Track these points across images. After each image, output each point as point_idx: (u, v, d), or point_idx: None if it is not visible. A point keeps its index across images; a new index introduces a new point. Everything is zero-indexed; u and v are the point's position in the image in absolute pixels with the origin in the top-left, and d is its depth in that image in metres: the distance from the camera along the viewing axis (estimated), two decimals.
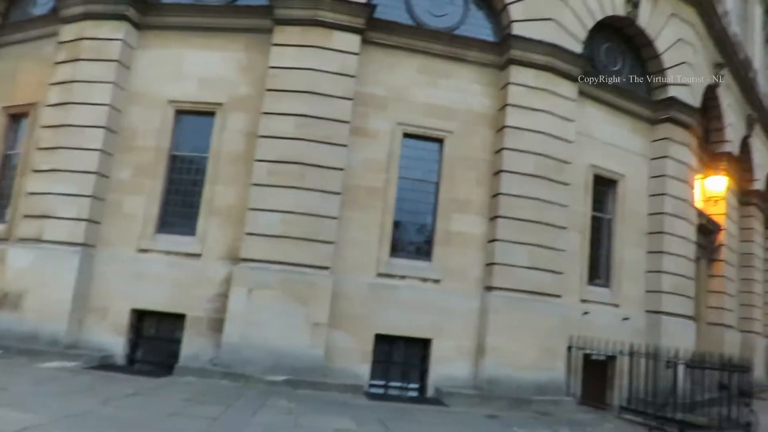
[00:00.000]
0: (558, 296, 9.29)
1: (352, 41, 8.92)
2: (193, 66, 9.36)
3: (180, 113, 9.37)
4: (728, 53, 13.64)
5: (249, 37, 9.30)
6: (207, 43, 9.40)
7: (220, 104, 9.19)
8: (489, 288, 9.00)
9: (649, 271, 10.89)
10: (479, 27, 9.92)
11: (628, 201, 10.87)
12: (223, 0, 9.56)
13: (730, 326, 14.24)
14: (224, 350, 8.20)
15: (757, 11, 17.90)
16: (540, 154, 9.33)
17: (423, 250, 9.25)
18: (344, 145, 8.69)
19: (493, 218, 9.18)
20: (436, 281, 9.04)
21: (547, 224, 9.30)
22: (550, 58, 9.50)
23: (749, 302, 16.48)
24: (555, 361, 9.05)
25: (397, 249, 9.11)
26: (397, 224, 9.18)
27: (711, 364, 8.83)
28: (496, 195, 9.21)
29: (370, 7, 8.98)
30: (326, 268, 8.46)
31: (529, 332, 8.90)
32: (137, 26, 9.50)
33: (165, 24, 9.55)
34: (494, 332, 8.78)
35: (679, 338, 10.53)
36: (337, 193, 8.59)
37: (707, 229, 13.23)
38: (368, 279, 8.81)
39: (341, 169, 8.65)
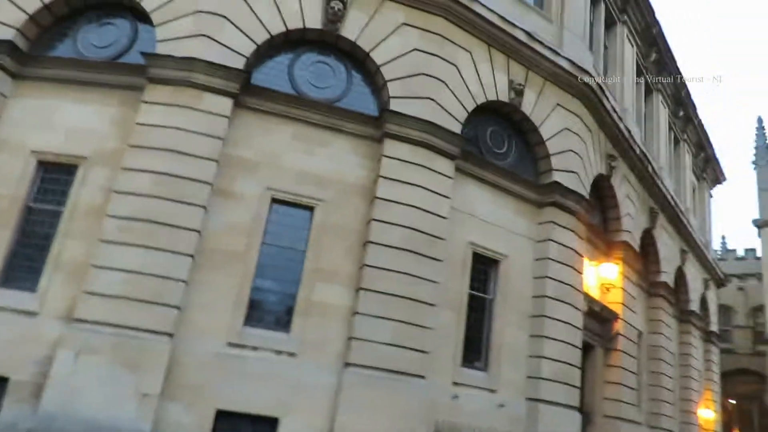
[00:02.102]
0: (422, 377, 8.84)
1: (223, 104, 8.90)
2: (64, 118, 9.13)
3: (42, 164, 9.02)
4: (622, 146, 14.26)
5: (125, 93, 9.20)
6: (82, 96, 9.24)
7: (84, 158, 8.90)
8: (347, 364, 8.51)
9: (531, 356, 10.60)
10: (363, 101, 10.09)
11: (511, 282, 10.75)
12: (102, 56, 9.53)
13: (630, 420, 13.81)
14: (40, 419, 7.38)
15: (662, 112, 19.06)
16: (410, 228, 9.23)
17: (282, 320, 8.79)
18: (202, 206, 8.41)
19: (358, 290, 8.87)
20: (292, 354, 8.52)
21: (415, 300, 9.02)
22: (427, 135, 9.65)
23: (658, 396, 16.22)
24: None
25: (253, 318, 8.62)
26: (256, 292, 8.75)
27: None
28: (362, 267, 8.96)
29: (246, 73, 9.07)
30: (168, 334, 7.88)
31: (386, 414, 8.35)
32: (13, 75, 9.34)
33: (42, 75, 9.39)
34: (347, 411, 8.20)
35: (560, 429, 10.09)
36: (189, 255, 8.19)
37: (602, 317, 13.16)
38: (216, 348, 8.23)
39: (197, 231, 8.32)
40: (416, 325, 8.96)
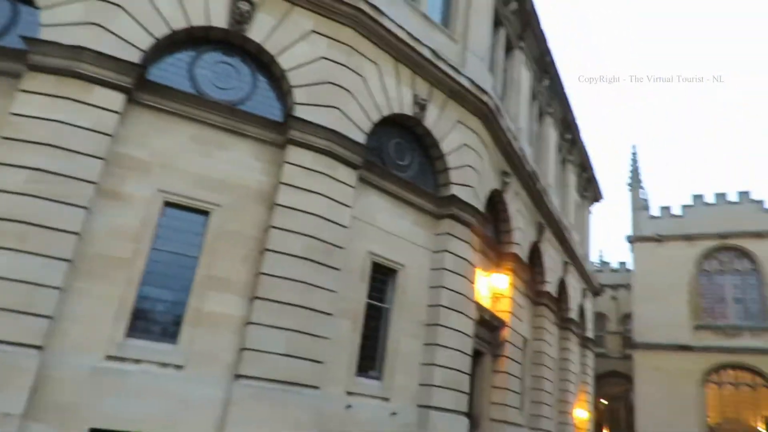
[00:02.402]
0: (316, 387, 8.78)
1: (113, 99, 8.30)
2: None
3: None
4: (515, 164, 15.16)
5: (1, 80, 8.31)
6: None
7: None
8: (238, 376, 8.25)
9: (424, 364, 10.90)
10: (267, 105, 9.86)
11: (408, 291, 11.01)
12: None
13: (513, 423, 14.66)
14: None
15: (552, 134, 20.52)
16: (310, 236, 9.16)
17: (169, 331, 8.33)
18: (84, 207, 7.77)
19: (253, 299, 8.64)
20: (179, 367, 8.10)
21: (311, 309, 8.94)
22: (331, 144, 9.63)
23: (539, 399, 17.34)
24: None
25: (137, 328, 8.09)
26: (142, 300, 8.23)
27: None
28: (258, 275, 8.75)
29: (141, 68, 8.54)
30: (36, 346, 7.18)
31: (277, 427, 8.18)
32: None
33: None
34: (236, 426, 7.94)
35: None
36: (66, 260, 7.53)
37: (492, 325, 13.86)
38: (93, 362, 7.62)
39: (76, 233, 7.67)
40: (312, 334, 8.89)
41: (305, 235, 9.12)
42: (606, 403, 42.00)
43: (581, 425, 22.82)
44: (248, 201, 9.19)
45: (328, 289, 9.22)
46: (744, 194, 33.85)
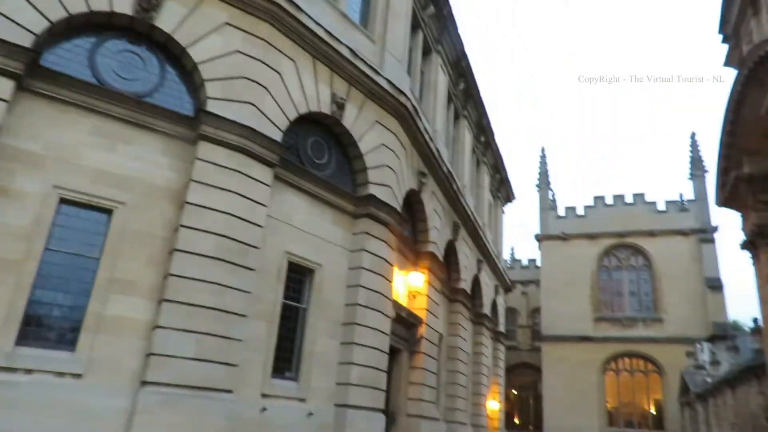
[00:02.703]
0: (229, 391, 8.51)
1: (1, 86, 7.58)
2: None
3: None
4: (432, 165, 15.52)
5: None
6: None
7: None
8: (144, 383, 7.82)
9: (341, 363, 10.89)
10: (177, 99, 9.41)
11: (325, 291, 10.94)
12: None
13: (430, 417, 15.00)
14: None
15: (467, 137, 21.21)
16: (223, 236, 8.85)
17: (67, 337, 7.73)
18: None
19: (160, 302, 8.22)
20: (77, 376, 7.55)
21: (224, 311, 8.65)
22: (245, 140, 9.36)
23: (454, 393, 17.87)
24: None
25: (29, 336, 7.44)
26: (35, 305, 7.58)
27: None
28: (167, 276, 8.34)
29: (34, 53, 7.86)
30: None
31: None
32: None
33: None
34: None
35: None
36: None
37: (408, 322, 14.10)
38: None
39: None
40: (225, 337, 8.60)
41: (218, 234, 8.81)
42: (516, 393, 44.12)
43: (493, 415, 23.81)
44: (155, 199, 8.73)
45: (242, 290, 8.96)
46: (639, 196, 36.74)
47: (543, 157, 40.58)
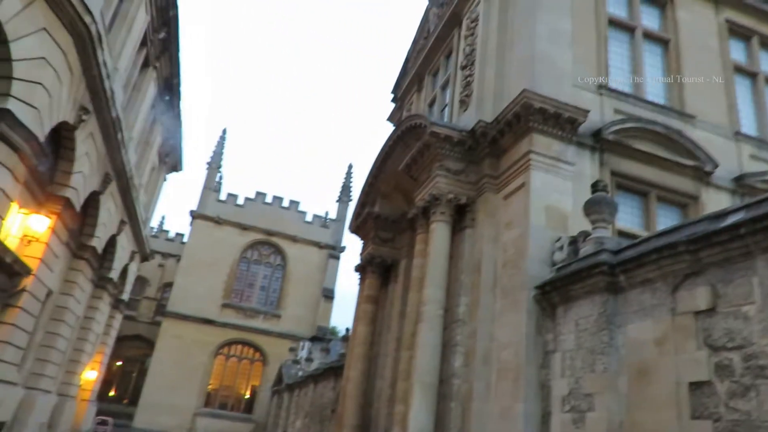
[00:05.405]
0: None
1: None
2: None
3: None
4: (100, 104, 13.73)
5: None
6: None
7: None
8: None
9: None
10: None
11: None
12: None
13: (6, 381, 12.86)
14: None
15: (152, 89, 19.58)
16: None
17: None
18: None
19: None
20: None
21: None
22: None
23: (47, 357, 15.80)
24: None
25: None
26: None
27: None
28: None
29: None
30: None
31: None
32: None
33: None
34: None
35: None
36: None
37: (13, 270, 11.91)
38: None
39: None
40: None
41: None
42: (121, 365, 41.82)
43: (86, 386, 21.93)
44: None
45: None
46: (294, 203, 40.27)
47: (222, 137, 40.57)
